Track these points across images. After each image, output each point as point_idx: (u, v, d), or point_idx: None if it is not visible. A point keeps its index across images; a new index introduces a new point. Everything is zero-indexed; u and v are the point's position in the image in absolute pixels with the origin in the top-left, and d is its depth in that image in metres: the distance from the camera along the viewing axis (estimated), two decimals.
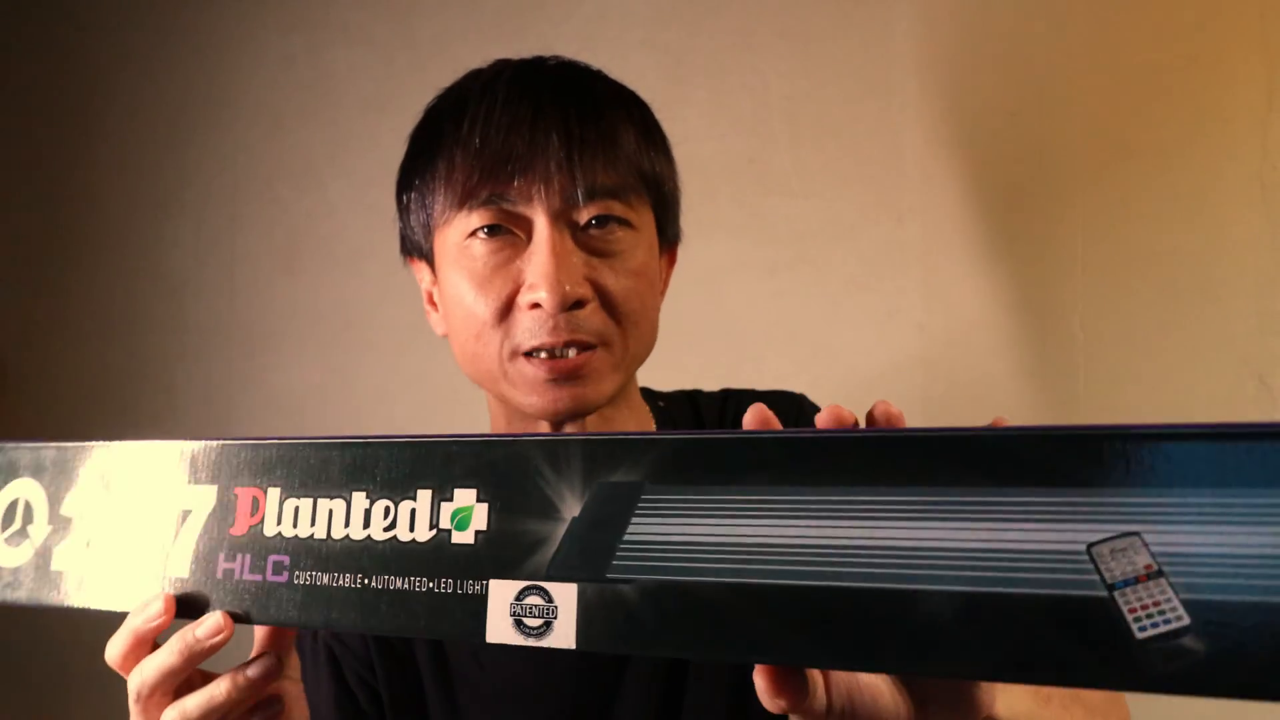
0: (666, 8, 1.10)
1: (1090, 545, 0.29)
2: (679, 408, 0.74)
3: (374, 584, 0.39)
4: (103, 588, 0.45)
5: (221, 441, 0.44)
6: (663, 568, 0.35)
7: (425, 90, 0.71)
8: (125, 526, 0.45)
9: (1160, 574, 0.28)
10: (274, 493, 0.42)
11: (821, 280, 1.03)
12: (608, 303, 0.61)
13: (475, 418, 0.74)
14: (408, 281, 0.76)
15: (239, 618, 0.42)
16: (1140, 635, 0.28)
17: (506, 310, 0.60)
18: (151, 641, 0.44)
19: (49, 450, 0.48)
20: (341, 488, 0.41)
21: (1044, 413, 0.96)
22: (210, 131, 1.31)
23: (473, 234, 0.61)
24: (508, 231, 0.61)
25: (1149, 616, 0.28)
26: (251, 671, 0.44)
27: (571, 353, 0.60)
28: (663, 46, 1.10)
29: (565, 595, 0.36)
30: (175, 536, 0.44)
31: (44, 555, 0.47)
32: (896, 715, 0.38)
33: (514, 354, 0.61)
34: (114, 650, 0.45)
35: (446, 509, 0.39)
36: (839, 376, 1.01)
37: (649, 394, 0.75)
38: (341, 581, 0.40)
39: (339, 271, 1.23)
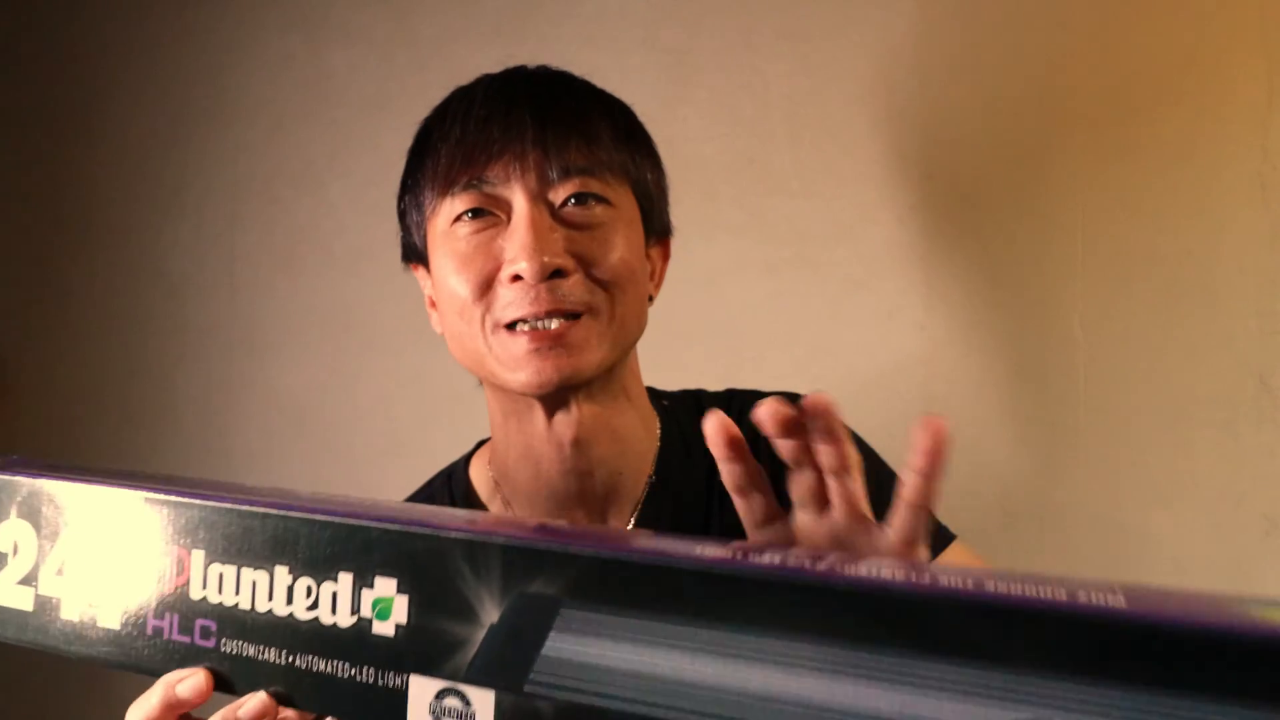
0: (666, 8, 1.10)
1: None
2: (683, 407, 0.74)
3: (299, 664, 0.38)
4: (56, 625, 0.43)
5: (144, 494, 0.41)
6: (576, 689, 0.33)
7: (425, 90, 0.71)
8: (82, 566, 0.43)
9: None
10: (199, 555, 0.40)
11: (821, 280, 1.03)
12: (591, 272, 0.62)
13: (476, 418, 0.74)
14: (408, 281, 0.76)
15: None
16: None
17: (487, 286, 0.62)
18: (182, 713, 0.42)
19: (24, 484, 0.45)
20: (265, 560, 0.39)
21: (1044, 413, 0.96)
22: (210, 131, 1.30)
23: (458, 219, 0.63)
24: (490, 214, 0.63)
25: None
26: None
27: (555, 323, 0.60)
28: (663, 46, 1.10)
29: (483, 701, 0.34)
30: (115, 585, 0.41)
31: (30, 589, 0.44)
32: None
33: (496, 327, 0.62)
34: (139, 713, 0.42)
35: (368, 596, 0.37)
36: (839, 376, 1.01)
37: (653, 393, 0.75)
38: (267, 656, 0.38)
39: (339, 271, 1.23)
